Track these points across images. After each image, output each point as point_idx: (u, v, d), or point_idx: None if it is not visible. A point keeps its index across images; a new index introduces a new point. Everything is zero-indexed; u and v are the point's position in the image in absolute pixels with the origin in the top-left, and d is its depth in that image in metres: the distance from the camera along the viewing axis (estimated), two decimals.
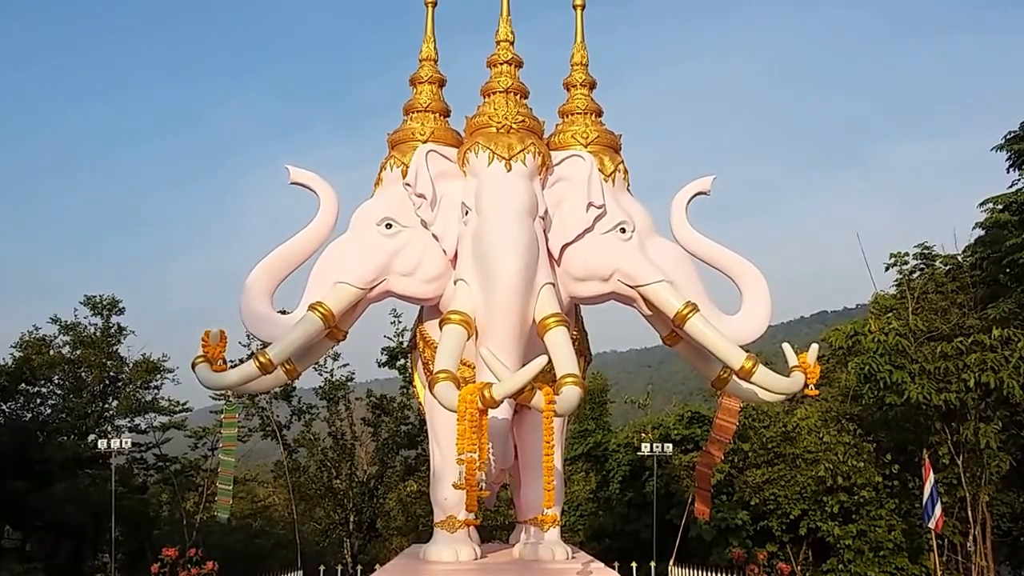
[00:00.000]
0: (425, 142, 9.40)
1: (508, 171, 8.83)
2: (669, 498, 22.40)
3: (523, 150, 8.93)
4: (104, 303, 28.54)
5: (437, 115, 9.82)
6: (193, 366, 8.49)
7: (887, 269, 21.46)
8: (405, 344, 24.57)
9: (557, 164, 9.36)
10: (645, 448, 21.21)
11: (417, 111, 9.82)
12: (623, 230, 9.13)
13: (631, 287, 9.02)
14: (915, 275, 21.21)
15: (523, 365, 7.39)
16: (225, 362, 8.67)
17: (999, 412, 17.92)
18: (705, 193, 9.86)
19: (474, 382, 7.66)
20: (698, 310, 8.71)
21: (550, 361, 7.61)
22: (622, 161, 9.78)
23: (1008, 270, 19.67)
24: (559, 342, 7.94)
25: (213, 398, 25.03)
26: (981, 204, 20.29)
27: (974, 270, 20.47)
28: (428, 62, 10.04)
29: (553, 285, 8.45)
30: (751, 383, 8.88)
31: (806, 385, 8.86)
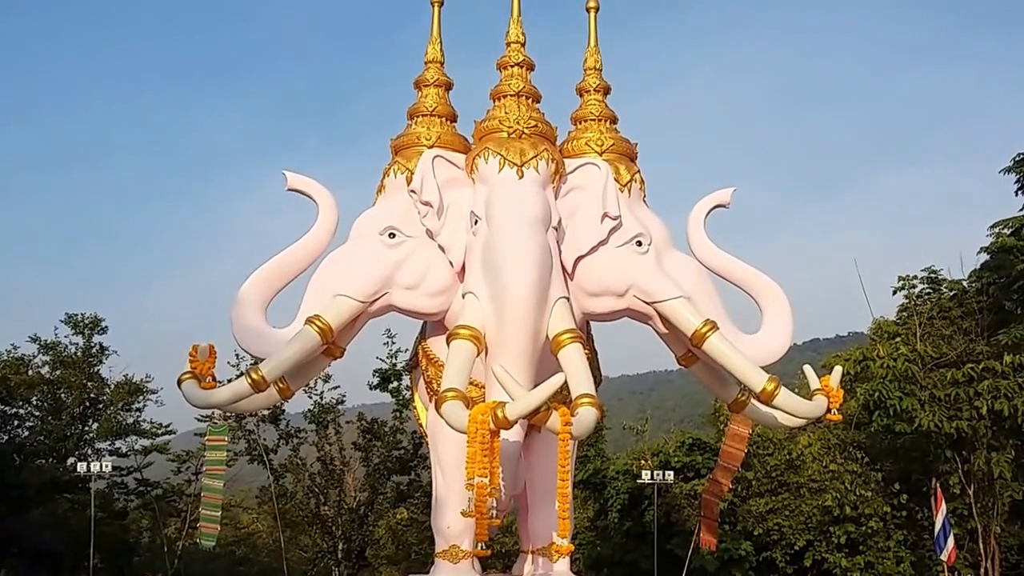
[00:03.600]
0: (431, 147, 8.95)
1: (520, 178, 8.42)
2: (669, 527, 21.90)
3: (536, 156, 8.51)
4: (86, 321, 28.04)
5: (444, 119, 9.36)
6: (179, 383, 8.02)
7: (894, 293, 21.25)
8: (399, 366, 24.03)
9: (570, 172, 8.95)
10: (646, 476, 20.68)
11: (422, 115, 9.36)
12: (639, 243, 8.71)
13: (647, 303, 8.58)
14: (921, 300, 20.83)
15: (535, 384, 6.96)
16: (214, 379, 8.21)
17: (1011, 441, 17.50)
18: (724, 206, 9.46)
19: (482, 402, 7.18)
20: (717, 328, 8.27)
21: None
22: (638, 171, 9.34)
23: (1016, 296, 19.45)
24: (574, 360, 7.52)
25: (198, 420, 24.41)
26: (992, 227, 20.12)
27: (980, 296, 20.16)
28: (434, 64, 9.59)
29: (567, 299, 8.04)
30: (772, 407, 8.47)
31: (829, 410, 8.49)
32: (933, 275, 20.81)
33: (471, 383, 7.75)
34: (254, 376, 7.89)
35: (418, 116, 9.38)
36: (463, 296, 8.10)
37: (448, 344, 7.75)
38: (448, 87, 9.58)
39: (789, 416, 8.69)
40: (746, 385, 8.47)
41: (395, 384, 24.72)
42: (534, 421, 6.85)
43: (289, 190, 9.05)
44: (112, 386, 28.17)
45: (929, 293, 21.07)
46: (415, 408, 9.86)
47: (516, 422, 6.80)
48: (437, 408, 7.27)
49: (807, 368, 8.97)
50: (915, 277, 20.84)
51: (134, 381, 28.26)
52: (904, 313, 21.36)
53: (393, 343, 24.79)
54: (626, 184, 9.06)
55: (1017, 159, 19.57)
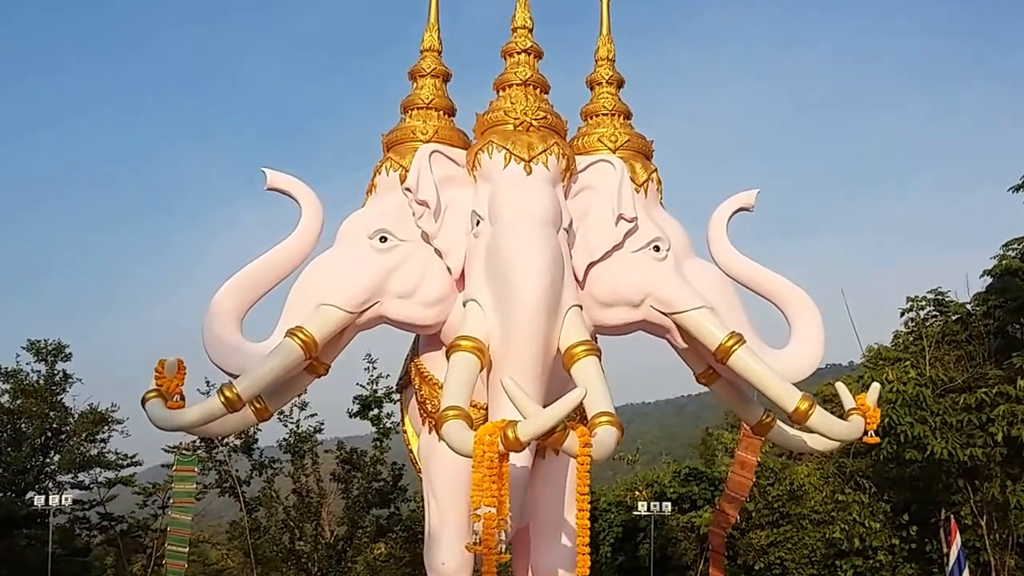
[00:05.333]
0: (427, 142, 8.19)
1: (528, 174, 7.67)
2: (665, 562, 21.10)
3: (545, 151, 7.75)
4: (49, 348, 26.91)
5: (441, 113, 8.60)
6: (143, 402, 7.24)
7: (902, 314, 20.61)
8: (380, 393, 23.07)
9: (582, 171, 8.20)
10: (642, 507, 19.81)
11: (418, 108, 8.58)
12: (657, 248, 7.98)
13: (665, 314, 7.83)
14: (927, 323, 20.27)
15: (545, 404, 6.17)
16: (182, 398, 7.41)
17: (1023, 470, 16.80)
18: (748, 209, 8.76)
19: (489, 422, 6.38)
20: (744, 342, 7.54)
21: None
22: (655, 170, 8.61)
23: None
24: (591, 375, 6.76)
25: (165, 451, 23.50)
26: (1005, 245, 19.65)
27: (987, 319, 19.62)
28: (431, 53, 8.82)
29: (581, 308, 7.27)
30: (805, 428, 7.83)
31: (866, 432, 7.79)
32: (940, 296, 20.25)
33: (472, 404, 6.96)
34: (228, 394, 7.10)
35: (413, 109, 8.62)
36: (464, 305, 7.36)
37: (448, 357, 6.99)
38: (446, 78, 8.84)
39: (822, 439, 8.08)
40: (776, 404, 7.75)
41: (376, 412, 23.80)
42: (548, 443, 6.09)
43: (269, 189, 8.25)
44: (76, 416, 27.10)
45: (935, 316, 20.50)
46: (404, 432, 9.06)
47: (529, 443, 6.01)
48: (436, 429, 6.54)
49: (840, 385, 8.38)
50: (923, 298, 20.28)
51: (99, 410, 27.17)
52: (899, 340, 20.87)
53: (374, 368, 23.81)
54: (642, 184, 8.35)
55: None
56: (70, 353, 27.32)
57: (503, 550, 6.25)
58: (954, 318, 20.36)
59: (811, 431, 7.90)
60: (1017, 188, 19.05)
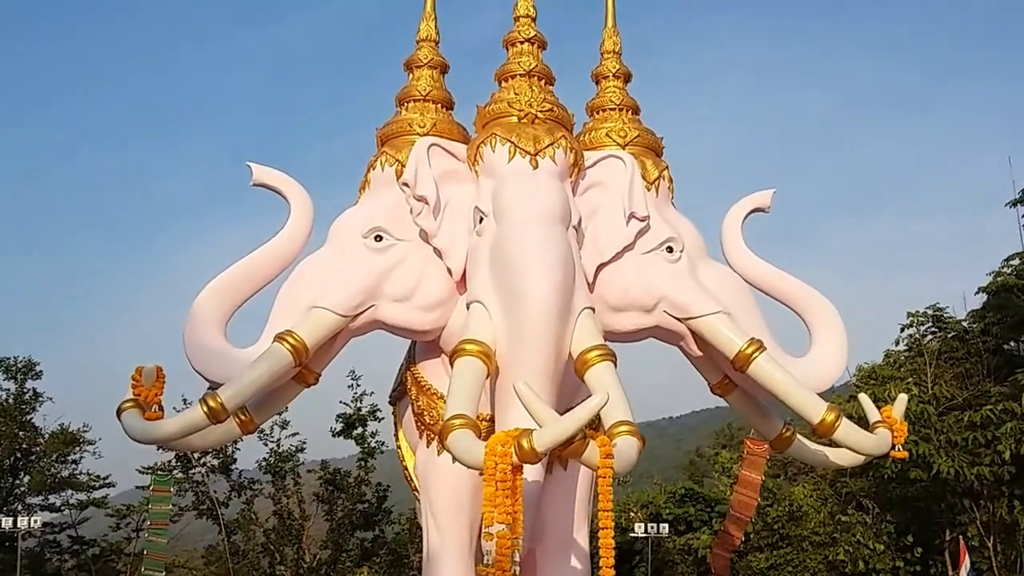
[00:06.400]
0: (425, 135, 7.69)
1: (534, 168, 7.17)
2: None
3: (552, 144, 7.28)
4: (19, 365, 25.99)
5: (439, 106, 8.13)
6: (119, 413, 6.71)
7: (902, 330, 20.14)
8: (364, 411, 22.40)
9: (589, 167, 7.72)
10: (639, 528, 19.19)
11: (414, 100, 8.11)
12: (670, 249, 7.53)
13: (680, 320, 7.35)
14: (927, 339, 19.89)
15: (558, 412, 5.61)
16: (161, 408, 6.89)
17: None
18: (764, 210, 8.33)
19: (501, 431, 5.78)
20: (764, 349, 7.06)
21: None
22: (667, 167, 8.13)
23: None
24: (607, 381, 6.22)
25: (140, 471, 22.58)
26: (1006, 259, 19.37)
27: (985, 336, 19.26)
28: (428, 43, 8.36)
29: (593, 311, 6.73)
30: (831, 441, 7.34)
31: (893, 446, 7.36)
32: (939, 313, 19.88)
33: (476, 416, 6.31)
34: (211, 403, 6.56)
35: (409, 101, 8.15)
36: (468, 306, 6.81)
37: (451, 363, 6.44)
38: (444, 69, 8.37)
39: (846, 454, 7.68)
40: (800, 416, 7.29)
41: (360, 430, 23.12)
42: (566, 453, 5.55)
43: (255, 185, 7.74)
44: (46, 436, 26.10)
45: (935, 332, 20.15)
46: (399, 448, 8.45)
47: (545, 454, 5.46)
48: (440, 440, 6.00)
49: (863, 397, 7.94)
50: (924, 314, 19.91)
51: (70, 431, 26.20)
52: (891, 358, 20.52)
53: (359, 385, 23.17)
54: (653, 182, 7.89)
55: None
56: (41, 371, 26.48)
57: (516, 572, 5.72)
58: (951, 335, 20.00)
59: (837, 445, 7.44)
60: (1014, 203, 18.86)
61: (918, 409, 16.12)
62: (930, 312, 19.93)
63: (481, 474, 7.15)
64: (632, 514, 21.47)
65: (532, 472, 6.21)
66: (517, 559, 5.69)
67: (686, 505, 21.86)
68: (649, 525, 19.25)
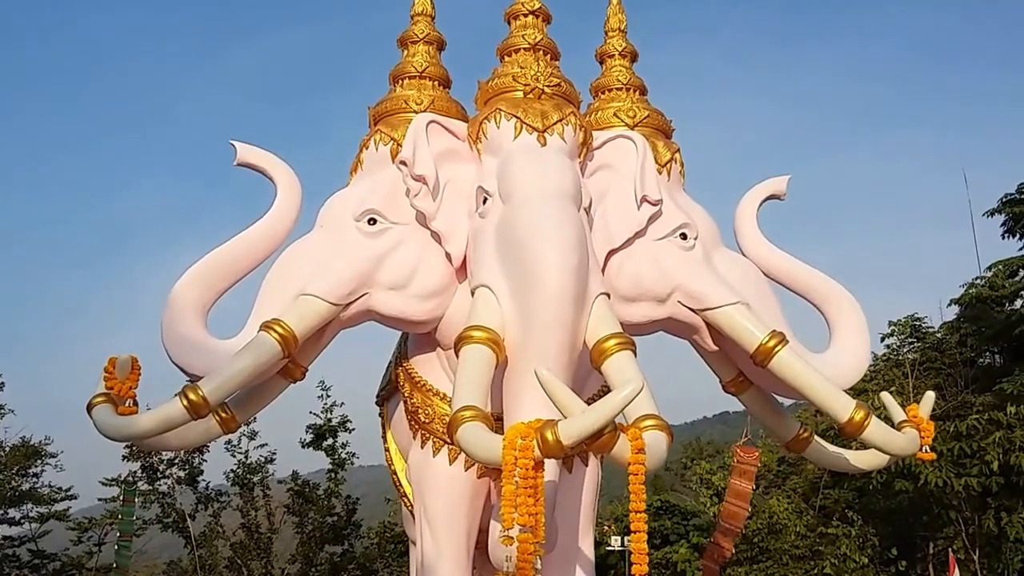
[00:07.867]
0: (423, 112, 7.21)
1: (543, 145, 6.70)
2: None
3: (561, 120, 6.81)
4: None
5: (436, 83, 7.69)
6: (89, 408, 6.15)
7: (883, 339, 20.10)
8: (335, 421, 21.82)
9: (597, 148, 7.30)
10: (615, 542, 18.74)
11: (410, 77, 7.66)
12: (684, 236, 7.11)
13: (695, 311, 6.95)
14: (905, 349, 19.81)
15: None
16: (136, 404, 6.36)
17: (1019, 500, 16.16)
18: (779, 197, 7.92)
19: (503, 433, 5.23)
20: (787, 342, 6.65)
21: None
22: (678, 149, 7.74)
23: (1002, 346, 18.57)
24: (628, 373, 5.68)
25: (103, 483, 21.84)
26: (989, 267, 19.34)
27: (961, 347, 19.20)
28: (423, 17, 7.94)
29: (608, 297, 6.25)
30: (861, 442, 6.94)
31: (922, 447, 7.07)
32: (917, 322, 19.80)
33: None
34: (192, 396, 6.01)
35: (404, 78, 7.70)
36: (472, 292, 6.28)
37: (456, 352, 5.91)
38: (441, 46, 7.92)
39: (870, 457, 7.41)
40: (826, 413, 6.90)
41: (331, 441, 22.50)
42: (595, 447, 5.01)
43: (239, 165, 7.23)
44: (7, 449, 24.89)
45: (913, 342, 20.06)
46: (387, 450, 7.95)
47: (572, 447, 4.89)
48: (450, 434, 5.43)
49: (885, 395, 7.53)
50: (905, 323, 19.81)
51: (31, 443, 25.06)
52: (873, 366, 20.37)
53: (328, 395, 22.54)
54: (665, 165, 7.49)
55: (1005, 200, 18.84)
56: (2, 382, 25.60)
57: None
58: (927, 346, 19.95)
59: (863, 445, 7.10)
60: (992, 212, 18.89)
61: None
62: (906, 321, 19.87)
63: (480, 476, 6.81)
64: (606, 527, 21.01)
65: (549, 470, 5.61)
66: (539, 566, 5.16)
67: (662, 518, 21.36)
68: (625, 538, 18.83)
